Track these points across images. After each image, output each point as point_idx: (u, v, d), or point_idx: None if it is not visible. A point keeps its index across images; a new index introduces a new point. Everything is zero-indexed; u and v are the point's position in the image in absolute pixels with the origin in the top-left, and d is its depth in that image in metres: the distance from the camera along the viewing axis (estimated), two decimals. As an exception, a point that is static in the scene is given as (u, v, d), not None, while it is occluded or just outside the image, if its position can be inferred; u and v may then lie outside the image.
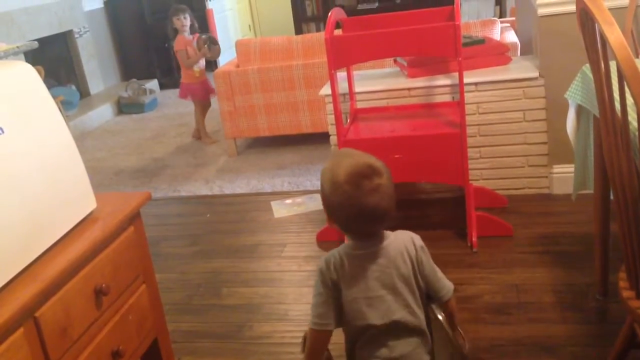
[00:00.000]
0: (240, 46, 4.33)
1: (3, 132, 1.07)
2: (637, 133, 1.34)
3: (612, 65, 1.29)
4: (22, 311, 1.05)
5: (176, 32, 4.60)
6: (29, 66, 1.19)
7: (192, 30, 4.64)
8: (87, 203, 1.30)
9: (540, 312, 2.16)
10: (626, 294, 1.47)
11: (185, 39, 4.61)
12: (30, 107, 1.16)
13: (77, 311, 1.18)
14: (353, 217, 1.27)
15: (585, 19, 1.34)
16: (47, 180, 1.17)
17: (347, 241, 1.37)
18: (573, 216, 2.72)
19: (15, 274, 1.10)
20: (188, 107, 5.22)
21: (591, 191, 2.10)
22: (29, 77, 1.17)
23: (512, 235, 2.65)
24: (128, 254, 1.36)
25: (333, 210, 1.30)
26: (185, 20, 4.54)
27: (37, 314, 1.09)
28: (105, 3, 6.89)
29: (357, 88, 3.07)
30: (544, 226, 2.72)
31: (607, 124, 1.39)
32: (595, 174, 2.03)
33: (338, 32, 2.87)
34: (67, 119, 5.21)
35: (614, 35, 1.17)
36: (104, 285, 1.24)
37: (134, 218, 1.38)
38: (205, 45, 4.57)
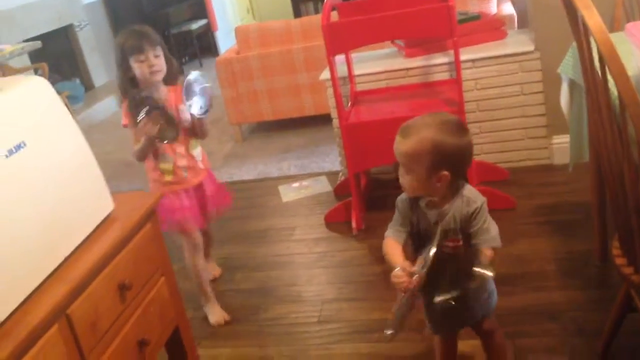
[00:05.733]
0: (240, 33, 4.37)
1: (26, 145, 1.15)
2: (618, 110, 1.40)
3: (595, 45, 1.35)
4: (55, 310, 1.14)
5: (133, 85, 2.16)
6: (44, 80, 1.27)
7: (170, 78, 2.21)
8: (105, 205, 1.39)
9: (542, 280, 2.24)
10: (619, 261, 1.55)
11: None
12: (47, 120, 1.25)
13: (104, 306, 1.28)
14: (469, 155, 1.48)
15: (568, 2, 1.40)
16: (68, 187, 1.26)
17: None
18: (573, 185, 2.78)
19: (46, 276, 1.19)
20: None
21: (588, 161, 2.17)
22: (44, 91, 1.25)
23: (514, 208, 2.72)
24: (147, 250, 1.45)
25: (454, 157, 1.44)
26: (154, 61, 2.12)
27: (68, 312, 1.18)
28: (103, -5, 6.94)
29: (356, 71, 3.13)
30: (545, 196, 2.79)
31: (592, 101, 1.46)
32: (590, 145, 2.09)
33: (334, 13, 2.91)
34: (74, 113, 5.30)
35: (593, 20, 1.23)
36: (126, 280, 1.33)
37: (150, 216, 1.47)
38: (141, 114, 2.07)
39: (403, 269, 1.43)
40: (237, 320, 2.34)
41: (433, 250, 1.38)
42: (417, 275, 1.40)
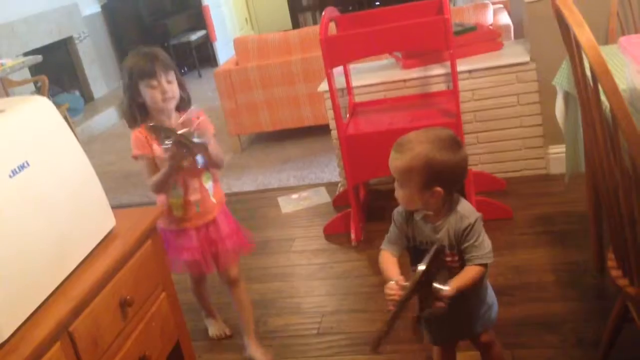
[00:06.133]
0: (239, 44, 4.41)
1: (29, 165, 1.17)
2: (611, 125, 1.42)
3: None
4: (58, 327, 1.16)
5: (142, 113, 1.97)
6: (47, 100, 1.29)
7: (182, 104, 2.02)
8: (107, 222, 1.41)
9: (540, 291, 2.26)
10: (614, 273, 1.57)
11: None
12: (50, 140, 1.27)
13: (105, 323, 1.29)
14: (463, 171, 1.49)
15: (560, 18, 1.43)
16: (71, 205, 1.27)
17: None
18: (570, 195, 2.80)
19: (49, 293, 1.21)
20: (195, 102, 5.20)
21: (584, 171, 2.19)
22: (47, 111, 1.27)
23: (511, 218, 2.74)
24: (147, 266, 1.47)
25: (446, 174, 1.45)
26: (167, 87, 1.92)
27: (70, 329, 1.20)
28: (102, 7, 6.97)
29: (354, 82, 3.16)
30: (542, 207, 2.82)
31: (585, 115, 1.48)
32: (586, 156, 2.12)
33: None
34: (74, 125, 5.32)
35: (585, 37, 1.25)
36: (128, 297, 1.35)
37: (151, 232, 1.49)
38: (167, 142, 1.86)
39: (396, 283, 1.44)
40: (237, 333, 2.35)
41: (421, 268, 1.39)
42: (400, 291, 1.41)
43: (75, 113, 5.80)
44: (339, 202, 3.22)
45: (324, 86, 3.13)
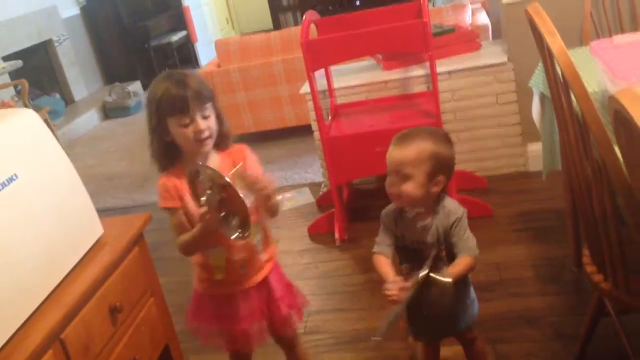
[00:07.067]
0: (220, 46, 4.43)
1: (17, 177, 1.19)
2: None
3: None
4: (50, 335, 1.19)
5: (172, 154, 1.59)
6: (33, 113, 1.31)
7: (221, 141, 1.65)
8: (95, 230, 1.44)
9: (521, 286, 2.32)
10: (589, 269, 1.63)
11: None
12: (38, 151, 1.29)
13: (96, 329, 1.32)
14: (454, 165, 1.57)
15: (533, 26, 1.48)
16: (59, 215, 1.30)
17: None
18: (549, 192, 2.86)
19: (40, 302, 1.23)
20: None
21: (560, 169, 2.25)
22: (34, 123, 1.30)
23: (491, 215, 2.80)
24: (136, 272, 1.49)
25: (448, 165, 1.54)
26: (202, 124, 1.54)
27: (62, 336, 1.23)
28: (81, 9, 6.93)
29: (336, 84, 3.19)
30: (522, 204, 2.88)
31: (559, 119, 1.54)
32: (561, 155, 2.17)
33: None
34: (55, 128, 5.30)
35: (556, 45, 1.30)
36: (117, 303, 1.38)
37: (138, 239, 1.52)
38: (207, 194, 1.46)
39: (394, 283, 1.48)
40: None
41: (423, 273, 1.45)
42: (404, 293, 1.46)
43: (55, 116, 5.77)
44: (322, 202, 3.26)
45: (305, 88, 3.16)
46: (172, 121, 1.51)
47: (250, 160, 1.63)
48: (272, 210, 1.56)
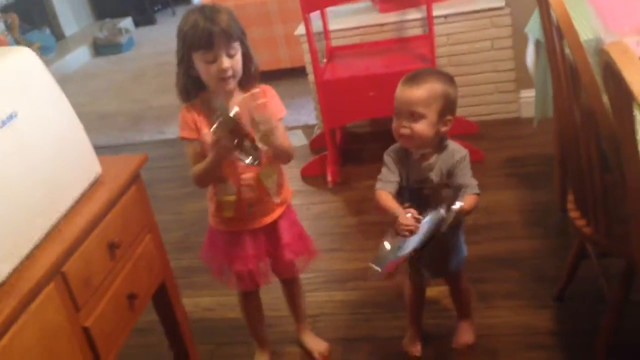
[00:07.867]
0: (214, -17, 4.33)
1: (17, 115, 1.21)
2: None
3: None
4: (52, 268, 1.23)
5: (196, 87, 1.62)
6: (29, 50, 1.32)
7: (247, 80, 1.63)
8: (93, 169, 1.46)
9: (507, 230, 2.39)
10: (573, 214, 1.68)
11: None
12: (35, 89, 1.30)
13: (95, 264, 1.37)
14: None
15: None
16: (58, 153, 1.32)
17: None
18: (539, 138, 2.90)
19: (42, 235, 1.27)
20: (167, 44, 4.62)
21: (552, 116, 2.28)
22: (31, 61, 1.30)
23: (482, 160, 2.84)
24: (133, 210, 1.53)
25: (455, 104, 1.59)
26: (227, 63, 1.53)
27: (63, 269, 1.27)
28: (70, -61, 6.71)
29: (332, 25, 3.17)
30: (513, 149, 2.92)
31: (552, 65, 1.56)
32: (554, 102, 2.20)
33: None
34: (47, 63, 5.23)
35: (553, -6, 1.31)
36: (116, 239, 1.42)
37: (135, 178, 1.55)
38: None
39: (411, 214, 1.50)
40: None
41: (443, 210, 1.50)
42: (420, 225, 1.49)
43: (47, 51, 5.69)
44: (315, 145, 3.29)
45: (301, 30, 3.14)
46: (196, 55, 1.53)
47: (272, 101, 1.64)
48: (278, 152, 1.60)
